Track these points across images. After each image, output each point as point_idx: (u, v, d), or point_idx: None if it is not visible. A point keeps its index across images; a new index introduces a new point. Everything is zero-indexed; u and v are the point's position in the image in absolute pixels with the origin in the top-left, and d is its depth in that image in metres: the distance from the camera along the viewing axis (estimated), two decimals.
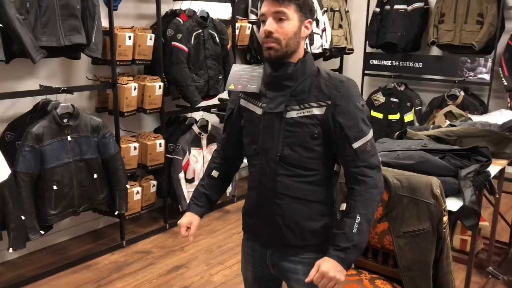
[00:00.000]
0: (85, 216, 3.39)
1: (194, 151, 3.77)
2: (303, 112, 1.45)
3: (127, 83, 3.23)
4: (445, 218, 1.93)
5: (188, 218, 1.66)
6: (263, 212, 1.56)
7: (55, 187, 2.84)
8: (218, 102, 4.17)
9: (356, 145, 1.44)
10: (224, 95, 4.08)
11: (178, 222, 1.67)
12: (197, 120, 3.88)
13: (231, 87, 1.56)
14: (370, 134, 1.47)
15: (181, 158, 3.67)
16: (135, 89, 3.29)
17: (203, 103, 3.82)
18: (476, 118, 3.19)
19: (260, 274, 1.67)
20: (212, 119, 4.22)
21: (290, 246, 1.55)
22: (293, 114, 1.46)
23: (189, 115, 3.95)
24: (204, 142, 3.85)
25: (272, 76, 1.49)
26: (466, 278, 2.50)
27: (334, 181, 1.57)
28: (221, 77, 3.88)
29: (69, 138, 2.91)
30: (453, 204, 2.07)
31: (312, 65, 1.50)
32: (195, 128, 3.81)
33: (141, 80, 3.38)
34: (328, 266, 1.41)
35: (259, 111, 1.53)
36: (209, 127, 3.90)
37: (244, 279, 1.75)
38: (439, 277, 1.96)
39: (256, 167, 1.54)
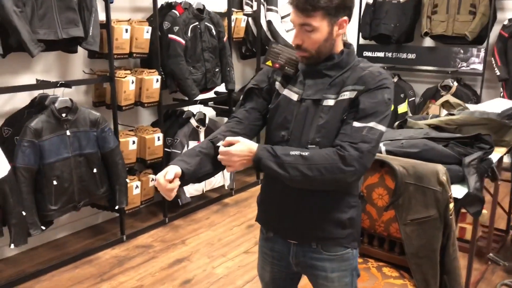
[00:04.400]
0: (83, 212, 3.36)
1: (192, 144, 3.75)
2: (339, 98, 1.43)
3: (125, 76, 3.20)
4: (451, 205, 1.95)
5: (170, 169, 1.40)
6: (286, 203, 1.52)
7: (55, 182, 2.81)
8: (215, 95, 4.15)
9: (356, 124, 1.37)
10: (221, 88, 4.07)
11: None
12: (195, 113, 3.86)
13: (269, 63, 1.53)
14: (378, 128, 1.38)
15: (179, 151, 3.65)
16: (133, 82, 3.26)
17: (200, 96, 3.80)
18: (473, 107, 3.22)
19: (279, 274, 1.65)
20: (210, 112, 4.22)
21: (315, 238, 1.52)
22: (330, 102, 1.44)
23: (186, 108, 3.93)
24: (202, 135, 3.84)
25: (312, 65, 1.48)
26: (468, 265, 2.53)
27: None
28: (218, 69, 3.86)
29: (68, 132, 2.87)
30: (458, 191, 2.09)
31: (354, 57, 1.49)
32: (193, 121, 3.80)
33: (139, 73, 3.35)
34: (241, 147, 1.40)
35: (294, 96, 1.49)
36: (207, 121, 3.89)
37: (260, 279, 1.74)
38: (446, 263, 1.98)
39: None
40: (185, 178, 1.41)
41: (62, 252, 3.22)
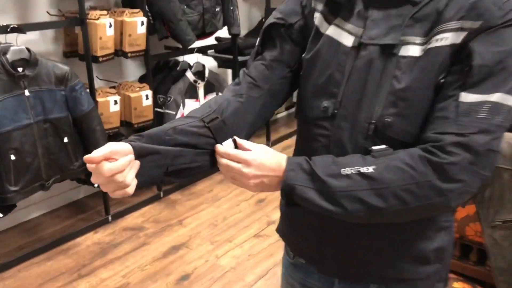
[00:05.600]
0: (62, 186, 2.78)
1: (189, 103, 3.11)
2: (431, 44, 0.79)
3: (99, 17, 2.51)
4: None
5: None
6: (332, 225, 0.91)
7: (13, 157, 2.21)
8: (215, 42, 3.46)
9: (467, 97, 0.76)
10: (223, 32, 3.36)
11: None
12: (191, 65, 3.19)
13: None
14: (508, 102, 0.75)
15: (174, 112, 3.01)
16: (110, 26, 2.57)
17: (197, 43, 3.12)
18: None
19: None
20: (210, 63, 3.54)
21: (378, 278, 0.94)
22: (413, 49, 0.80)
23: (180, 58, 3.26)
24: (201, 92, 3.19)
25: None
26: None
27: None
28: (218, 9, 3.15)
29: (26, 92, 2.24)
30: None
31: None
32: (189, 75, 3.13)
33: (118, 14, 2.66)
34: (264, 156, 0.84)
35: (348, 40, 0.87)
36: (207, 74, 3.22)
37: None
38: None
39: (324, 141, 0.88)
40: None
41: (33, 238, 2.66)
